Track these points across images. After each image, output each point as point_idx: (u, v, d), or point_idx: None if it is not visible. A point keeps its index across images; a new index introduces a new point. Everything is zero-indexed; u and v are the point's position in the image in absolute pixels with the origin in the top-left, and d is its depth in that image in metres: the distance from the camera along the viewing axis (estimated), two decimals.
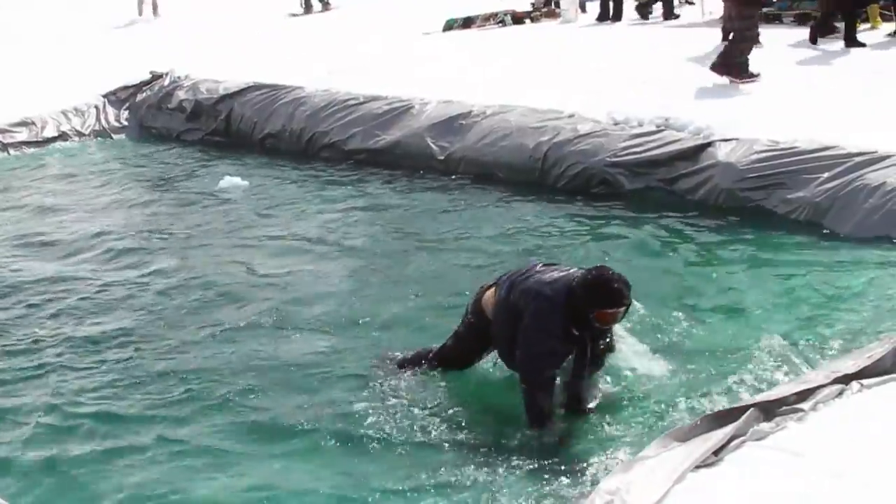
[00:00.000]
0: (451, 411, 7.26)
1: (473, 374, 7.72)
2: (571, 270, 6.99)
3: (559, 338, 6.74)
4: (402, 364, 7.88)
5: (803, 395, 6.26)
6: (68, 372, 8.43)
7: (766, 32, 16.85)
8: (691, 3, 22.97)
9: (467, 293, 9.35)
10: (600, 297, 6.56)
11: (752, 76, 14.75)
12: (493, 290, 7.25)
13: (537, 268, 7.14)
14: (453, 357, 7.65)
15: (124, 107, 19.04)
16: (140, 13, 26.08)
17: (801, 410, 6.12)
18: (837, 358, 7.05)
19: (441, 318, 8.82)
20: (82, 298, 10.14)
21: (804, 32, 17.50)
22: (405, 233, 11.76)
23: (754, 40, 15.00)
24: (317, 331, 8.99)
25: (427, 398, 7.45)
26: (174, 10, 26.40)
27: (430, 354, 7.77)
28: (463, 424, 7.08)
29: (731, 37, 15.38)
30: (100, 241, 12.05)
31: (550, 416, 6.86)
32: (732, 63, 14.79)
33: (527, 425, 6.86)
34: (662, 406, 7.05)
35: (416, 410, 7.28)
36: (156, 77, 19.35)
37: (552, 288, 6.79)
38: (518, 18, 23.94)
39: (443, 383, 7.62)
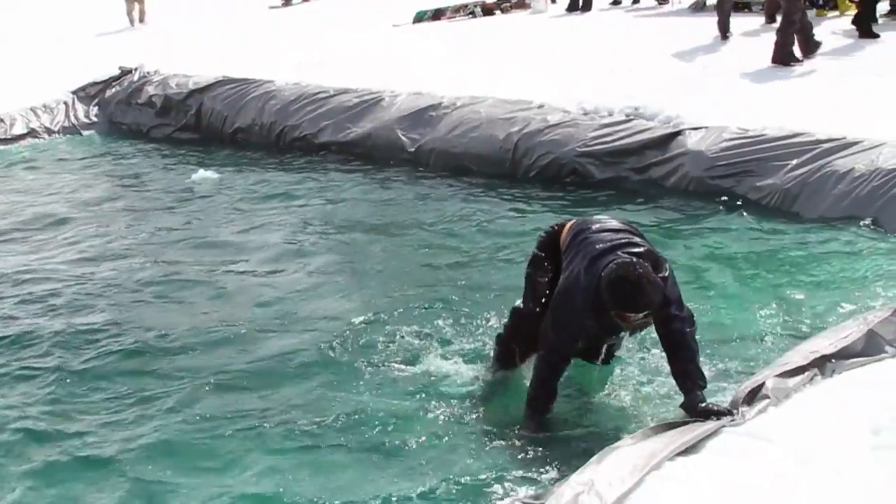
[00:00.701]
0: (430, 403, 7.20)
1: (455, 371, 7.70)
2: (623, 241, 6.56)
3: (580, 322, 6.46)
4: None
5: (785, 377, 6.28)
6: (26, 371, 8.29)
7: (734, 21, 16.90)
8: None
9: (442, 285, 9.44)
10: (619, 298, 6.16)
11: (798, 60, 14.88)
12: (567, 228, 7.00)
13: (602, 226, 6.80)
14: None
15: (93, 103, 18.97)
16: (131, 23, 25.80)
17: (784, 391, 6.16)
18: (813, 338, 7.05)
19: (419, 307, 8.87)
20: (50, 294, 10.03)
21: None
22: (375, 225, 11.73)
23: (796, 24, 14.98)
24: (288, 325, 8.93)
25: (408, 392, 7.42)
26: (163, 16, 26.10)
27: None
28: (441, 416, 7.03)
29: (778, 25, 15.34)
30: (69, 237, 11.96)
31: (546, 403, 6.72)
32: (789, 52, 14.87)
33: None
34: (640, 396, 7.05)
35: (389, 405, 7.26)
36: (125, 73, 19.26)
37: (589, 272, 6.42)
38: (488, 9, 23.91)
39: (425, 378, 7.60)
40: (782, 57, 14.72)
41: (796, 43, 14.85)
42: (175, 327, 8.98)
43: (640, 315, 6.21)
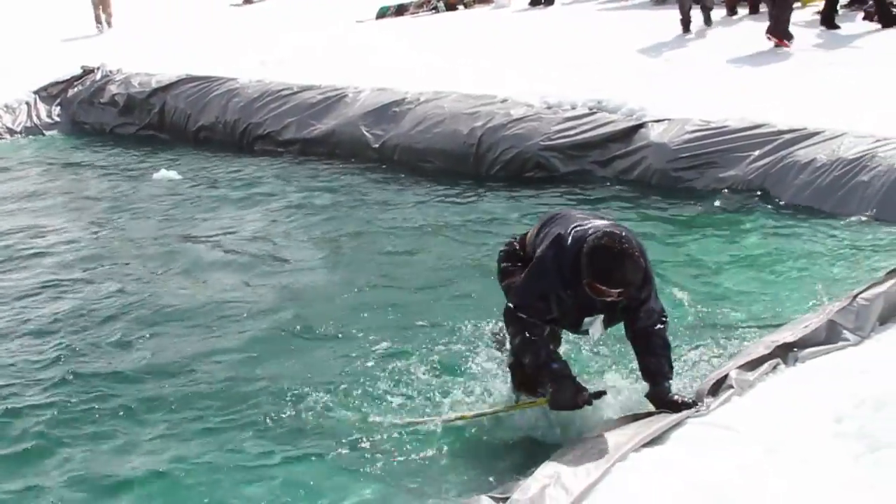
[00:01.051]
0: (398, 405, 7.14)
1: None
2: (602, 223, 6.19)
3: (551, 285, 6.06)
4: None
5: (749, 367, 6.31)
6: None
7: (694, 14, 16.95)
8: None
9: (405, 281, 9.44)
10: (597, 266, 5.76)
11: (792, 37, 15.24)
12: (531, 232, 6.66)
13: (572, 214, 6.49)
14: None
15: (56, 103, 18.91)
16: (98, 28, 25.49)
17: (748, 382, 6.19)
18: (775, 330, 7.09)
19: (386, 305, 8.89)
20: (8, 295, 10.02)
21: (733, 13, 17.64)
22: (339, 222, 11.72)
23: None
24: (250, 326, 8.87)
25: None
26: (125, 17, 25.84)
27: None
28: (408, 416, 7.01)
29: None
30: (30, 237, 11.92)
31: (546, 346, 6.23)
32: (784, 28, 15.14)
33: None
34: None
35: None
36: (87, 72, 19.18)
37: (575, 235, 6.03)
38: (451, 4, 23.91)
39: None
40: (779, 29, 15.13)
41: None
42: (134, 327, 8.95)
43: (614, 291, 5.85)
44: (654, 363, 6.17)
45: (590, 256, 5.77)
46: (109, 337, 8.78)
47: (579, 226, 6.09)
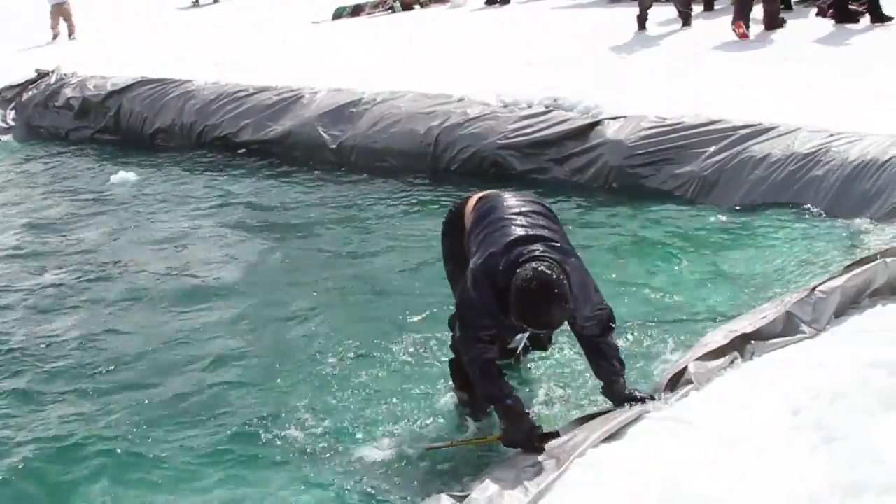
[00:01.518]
0: (354, 409, 7.12)
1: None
2: (541, 232, 6.01)
3: (489, 308, 5.87)
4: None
5: (708, 358, 6.35)
6: None
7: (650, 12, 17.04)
8: None
9: (363, 284, 9.41)
10: (521, 309, 5.66)
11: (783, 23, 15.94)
12: (472, 204, 6.50)
13: (515, 205, 6.26)
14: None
15: (10, 107, 18.79)
16: (54, 38, 25.09)
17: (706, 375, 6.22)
18: (732, 321, 7.12)
19: (345, 310, 8.89)
20: None
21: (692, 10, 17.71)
22: (296, 224, 11.69)
23: None
24: (206, 330, 8.80)
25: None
26: (84, 25, 25.58)
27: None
28: (368, 420, 6.97)
29: None
30: None
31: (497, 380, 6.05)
32: (777, 17, 15.77)
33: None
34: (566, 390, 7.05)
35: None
36: (42, 75, 19.08)
37: (509, 260, 5.81)
38: (407, 4, 23.94)
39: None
40: (772, 23, 15.74)
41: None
42: (92, 333, 8.87)
43: (542, 332, 6.10)
44: (606, 366, 6.15)
45: (517, 297, 5.63)
46: (58, 345, 8.68)
47: (513, 241, 5.90)
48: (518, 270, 5.66)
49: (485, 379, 5.96)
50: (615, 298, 8.22)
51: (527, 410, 6.01)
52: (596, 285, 6.12)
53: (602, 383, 6.22)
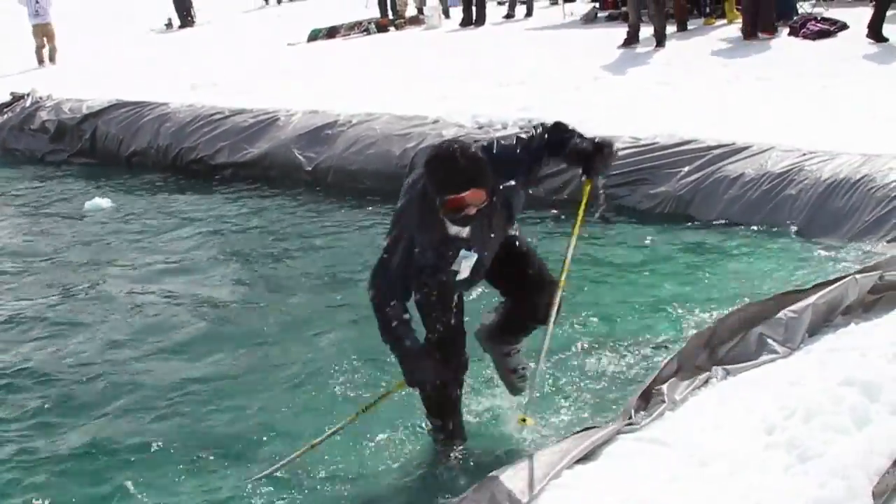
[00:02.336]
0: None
1: None
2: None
3: (408, 238, 5.77)
4: None
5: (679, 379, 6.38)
6: None
7: (619, 31, 17.12)
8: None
9: (341, 306, 9.40)
10: (439, 177, 5.55)
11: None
12: None
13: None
14: None
15: None
16: (40, 62, 24.91)
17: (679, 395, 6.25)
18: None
19: (323, 333, 8.86)
20: None
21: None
22: (272, 248, 11.70)
23: None
24: (181, 352, 8.82)
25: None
26: (66, 51, 25.44)
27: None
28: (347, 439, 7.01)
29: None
30: None
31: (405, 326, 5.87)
32: (770, 20, 16.35)
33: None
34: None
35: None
36: (16, 98, 19.04)
37: (409, 180, 5.90)
38: (382, 26, 23.98)
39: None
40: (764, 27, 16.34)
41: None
42: (64, 358, 8.85)
43: (467, 193, 5.49)
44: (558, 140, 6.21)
45: (429, 172, 5.60)
46: (30, 372, 8.63)
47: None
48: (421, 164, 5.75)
49: (384, 323, 5.84)
50: (587, 317, 8.30)
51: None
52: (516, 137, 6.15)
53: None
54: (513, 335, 6.68)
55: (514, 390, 6.83)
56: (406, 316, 5.87)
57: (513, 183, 5.91)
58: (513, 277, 6.38)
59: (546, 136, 6.14)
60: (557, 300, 6.20)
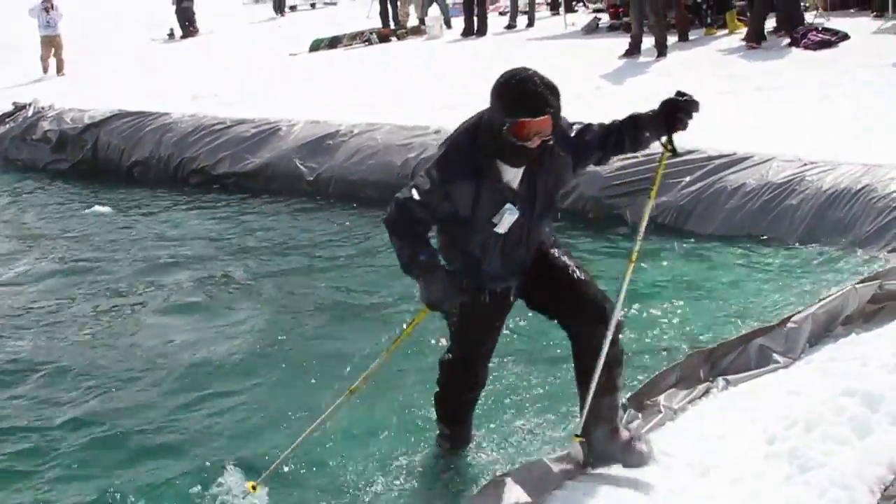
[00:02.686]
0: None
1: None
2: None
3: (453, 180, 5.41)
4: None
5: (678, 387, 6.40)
6: None
7: (615, 41, 17.14)
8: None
9: (345, 316, 9.40)
10: (512, 98, 5.26)
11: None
12: None
13: None
14: None
15: None
16: (45, 70, 24.90)
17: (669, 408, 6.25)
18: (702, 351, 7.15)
19: (325, 341, 8.86)
20: None
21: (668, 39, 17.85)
22: (273, 257, 11.67)
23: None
24: (181, 362, 8.74)
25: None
26: (68, 61, 25.44)
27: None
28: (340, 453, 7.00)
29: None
30: None
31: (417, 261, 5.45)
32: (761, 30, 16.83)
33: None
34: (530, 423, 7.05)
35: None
36: (19, 108, 19.06)
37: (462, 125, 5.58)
38: (384, 36, 24.05)
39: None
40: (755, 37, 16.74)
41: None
42: (66, 366, 8.79)
43: (538, 119, 5.23)
44: (617, 134, 5.94)
45: (502, 92, 5.31)
46: (29, 384, 8.57)
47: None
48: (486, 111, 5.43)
49: (396, 239, 5.49)
50: None
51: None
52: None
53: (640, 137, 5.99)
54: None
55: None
56: (424, 236, 5.50)
57: (562, 154, 5.63)
58: (557, 285, 5.85)
59: (617, 132, 5.89)
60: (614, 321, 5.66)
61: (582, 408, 5.66)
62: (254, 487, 6.21)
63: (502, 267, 5.73)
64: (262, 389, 8.05)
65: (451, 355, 6.18)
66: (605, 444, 5.63)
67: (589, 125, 5.85)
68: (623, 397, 5.99)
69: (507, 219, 5.53)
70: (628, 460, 5.59)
